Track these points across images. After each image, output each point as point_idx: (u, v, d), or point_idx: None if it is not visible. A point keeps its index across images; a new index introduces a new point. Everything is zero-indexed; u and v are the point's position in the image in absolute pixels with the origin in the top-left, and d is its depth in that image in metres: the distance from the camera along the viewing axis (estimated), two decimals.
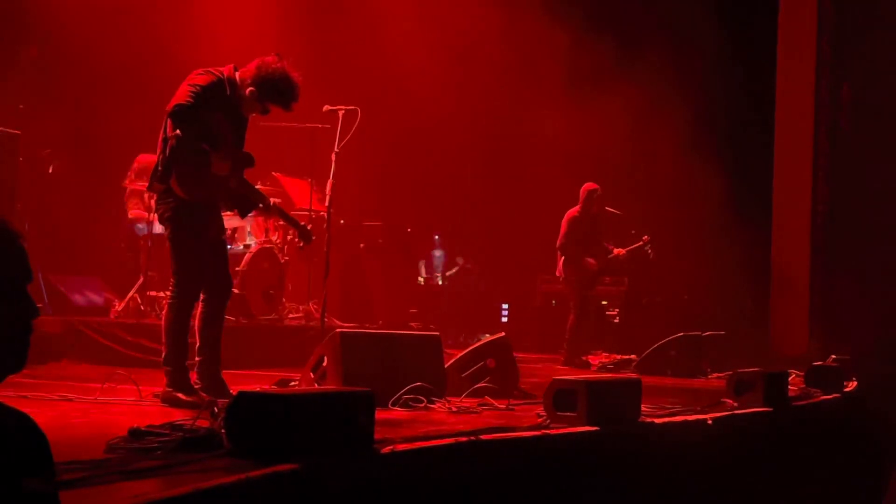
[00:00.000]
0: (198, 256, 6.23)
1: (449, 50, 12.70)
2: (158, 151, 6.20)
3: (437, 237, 16.59)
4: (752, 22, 14.23)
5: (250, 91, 6.26)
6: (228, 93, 6.25)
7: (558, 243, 11.85)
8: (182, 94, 6.05)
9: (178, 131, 6.01)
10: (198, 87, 6.08)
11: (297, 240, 8.28)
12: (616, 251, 12.12)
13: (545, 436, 4.98)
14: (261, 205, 6.60)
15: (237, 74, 6.30)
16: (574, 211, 11.86)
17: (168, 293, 6.46)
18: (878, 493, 8.40)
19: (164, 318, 6.36)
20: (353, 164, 9.21)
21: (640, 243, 12.21)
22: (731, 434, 6.28)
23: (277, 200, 6.91)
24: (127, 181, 10.71)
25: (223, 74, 6.26)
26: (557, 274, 12.15)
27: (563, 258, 11.81)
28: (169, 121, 6.09)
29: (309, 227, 7.13)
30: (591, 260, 11.86)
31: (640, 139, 13.64)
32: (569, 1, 13.24)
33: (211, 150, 6.12)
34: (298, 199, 11.81)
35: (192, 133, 6.02)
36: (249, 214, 6.89)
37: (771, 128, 14.33)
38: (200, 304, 6.32)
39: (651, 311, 14.10)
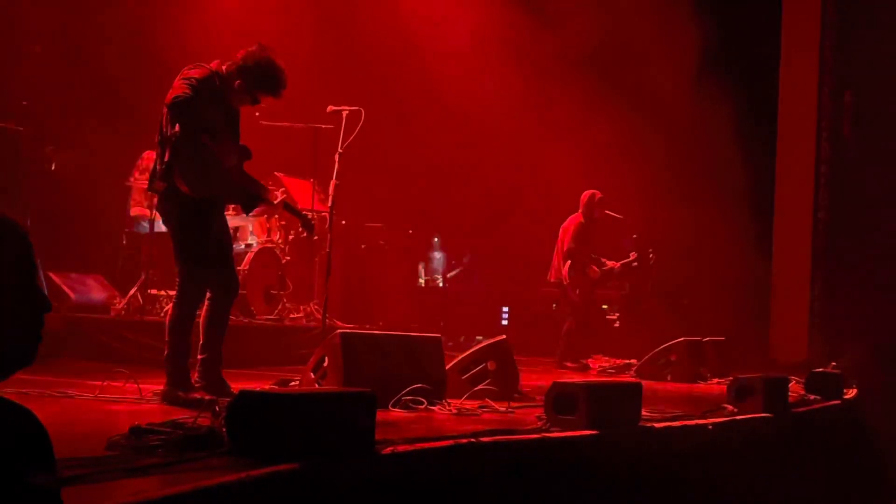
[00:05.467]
0: (203, 255, 6.23)
1: (453, 52, 12.70)
2: (156, 150, 6.22)
3: (436, 239, 16.58)
4: (754, 29, 14.22)
5: (238, 83, 6.28)
6: (218, 85, 6.27)
7: (566, 248, 11.79)
8: (178, 87, 6.06)
9: (177, 127, 6.01)
10: (193, 80, 6.09)
11: (301, 230, 8.27)
12: (610, 264, 12.12)
13: (545, 439, 4.98)
14: (264, 197, 6.60)
15: (224, 68, 6.32)
16: (579, 216, 11.86)
17: (171, 291, 6.46)
18: (880, 499, 8.41)
19: (168, 316, 6.36)
20: (356, 164, 9.22)
21: (629, 260, 12.22)
22: (730, 439, 6.29)
23: (279, 191, 6.88)
24: (132, 179, 10.72)
25: (212, 68, 6.29)
26: (552, 278, 12.12)
27: (568, 263, 11.77)
28: (167, 119, 6.10)
29: (311, 218, 7.14)
30: (595, 268, 11.87)
31: (640, 144, 13.64)
32: (573, 11, 13.24)
33: (212, 142, 6.13)
34: (301, 199, 11.81)
35: (192, 127, 6.03)
36: (253, 212, 6.88)
37: (773, 134, 14.34)
38: (207, 303, 6.32)
39: (651, 315, 14.10)
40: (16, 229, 2.20)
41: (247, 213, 6.96)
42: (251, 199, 6.52)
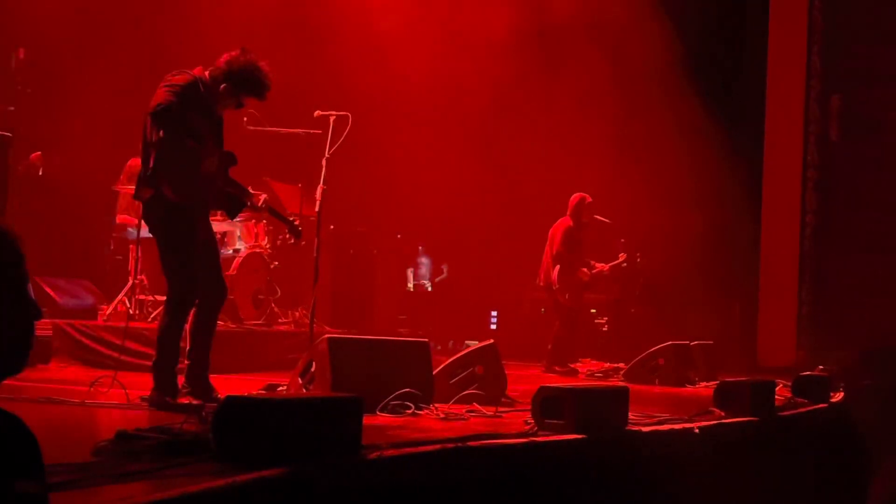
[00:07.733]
0: (190, 260, 6.22)
1: (441, 58, 12.71)
2: (141, 158, 6.21)
3: (420, 247, 16.58)
4: (742, 34, 14.28)
5: (224, 87, 6.28)
6: (202, 90, 6.27)
7: (554, 252, 11.80)
8: (161, 94, 6.06)
9: (161, 133, 6.00)
10: (176, 87, 6.09)
11: (287, 235, 8.27)
12: (599, 266, 12.13)
13: (532, 443, 4.98)
14: (249, 202, 6.60)
15: (207, 74, 6.32)
16: (567, 220, 11.85)
17: (158, 297, 6.45)
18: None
19: (158, 321, 6.35)
20: (344, 169, 9.22)
21: (618, 261, 12.22)
22: (717, 443, 6.29)
23: (264, 196, 6.87)
24: (118, 185, 10.70)
25: (195, 74, 6.29)
26: (541, 282, 12.12)
27: (557, 267, 11.77)
28: (150, 126, 6.08)
29: (297, 223, 7.14)
30: (585, 270, 11.88)
31: (628, 148, 13.66)
32: (560, 14, 13.26)
33: (197, 147, 6.13)
34: (289, 204, 11.81)
35: (176, 133, 6.02)
36: (238, 216, 6.88)
37: (761, 139, 14.38)
38: (194, 308, 6.32)
39: (639, 319, 14.12)
40: (8, 238, 2.20)
41: (231, 218, 6.96)
42: (236, 204, 6.52)
